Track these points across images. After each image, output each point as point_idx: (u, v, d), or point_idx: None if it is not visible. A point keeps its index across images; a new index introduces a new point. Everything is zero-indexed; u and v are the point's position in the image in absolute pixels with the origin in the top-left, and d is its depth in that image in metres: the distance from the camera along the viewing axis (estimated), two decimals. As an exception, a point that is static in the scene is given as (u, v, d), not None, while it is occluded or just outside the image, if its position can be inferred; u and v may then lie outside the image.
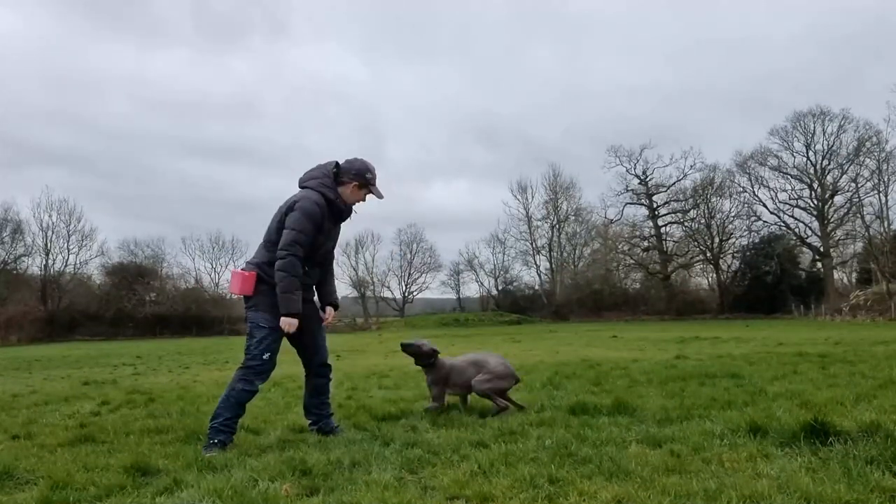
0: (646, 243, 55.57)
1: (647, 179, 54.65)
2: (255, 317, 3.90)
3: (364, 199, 4.10)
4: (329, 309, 4.22)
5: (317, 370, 4.17)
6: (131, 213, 77.07)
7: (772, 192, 49.06)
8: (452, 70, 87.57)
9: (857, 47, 68.87)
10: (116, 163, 74.04)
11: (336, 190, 3.97)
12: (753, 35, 74.95)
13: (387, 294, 59.46)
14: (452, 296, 61.37)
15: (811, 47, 74.51)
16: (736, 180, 50.79)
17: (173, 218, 76.82)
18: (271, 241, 3.92)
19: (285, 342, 4.04)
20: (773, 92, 68.01)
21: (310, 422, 4.21)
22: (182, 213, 77.10)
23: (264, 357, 3.84)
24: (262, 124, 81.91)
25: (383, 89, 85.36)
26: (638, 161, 54.16)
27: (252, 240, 57.85)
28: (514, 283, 59.21)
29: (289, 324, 3.82)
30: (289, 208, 3.90)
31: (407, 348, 4.83)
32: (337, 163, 4.04)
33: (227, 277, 54.80)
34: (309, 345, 4.14)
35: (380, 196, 4.10)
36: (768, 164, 48.69)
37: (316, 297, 4.23)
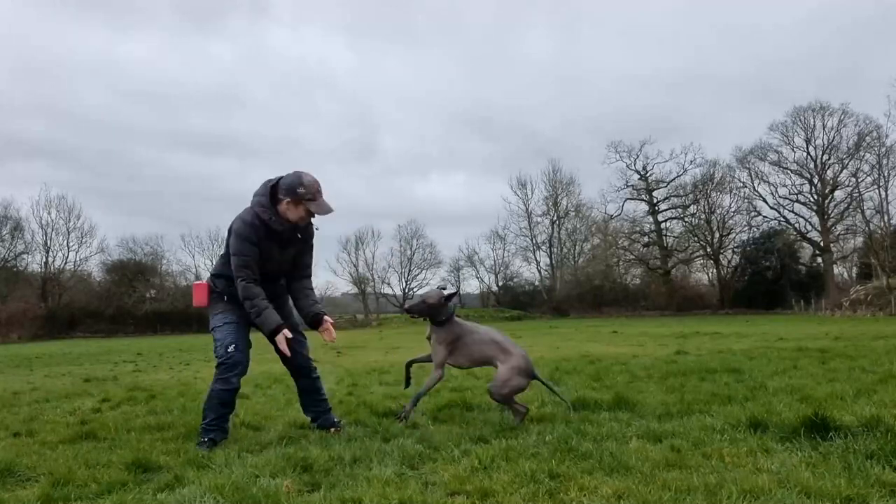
0: (646, 239, 55.57)
1: (647, 175, 54.65)
2: (212, 321, 3.98)
3: (307, 216, 3.80)
4: (325, 319, 4.03)
5: (297, 370, 4.18)
6: (120, 209, 74.49)
7: (772, 187, 49.05)
8: (443, 56, 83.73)
9: (857, 41, 68.63)
10: (100, 157, 70.99)
11: (274, 209, 3.74)
12: (754, 23, 73.92)
13: (387, 290, 59.51)
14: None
15: (812, 39, 73.96)
16: (736, 175, 50.83)
17: (163, 213, 74.59)
18: (224, 254, 3.96)
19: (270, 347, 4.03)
20: (774, 83, 67.32)
21: (310, 418, 4.23)
22: (172, 208, 75.01)
23: (229, 350, 3.85)
24: (249, 115, 78.41)
25: (372, 76, 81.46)
26: (638, 156, 54.19)
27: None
28: (515, 279, 59.24)
29: (280, 341, 3.79)
30: (229, 230, 3.85)
31: (412, 310, 4.25)
32: (278, 179, 3.78)
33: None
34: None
35: (320, 211, 3.76)
36: (768, 159, 48.68)
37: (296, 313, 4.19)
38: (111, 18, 76.84)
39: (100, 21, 78.13)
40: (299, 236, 3.94)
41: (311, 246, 4.10)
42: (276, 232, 3.77)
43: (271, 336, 3.83)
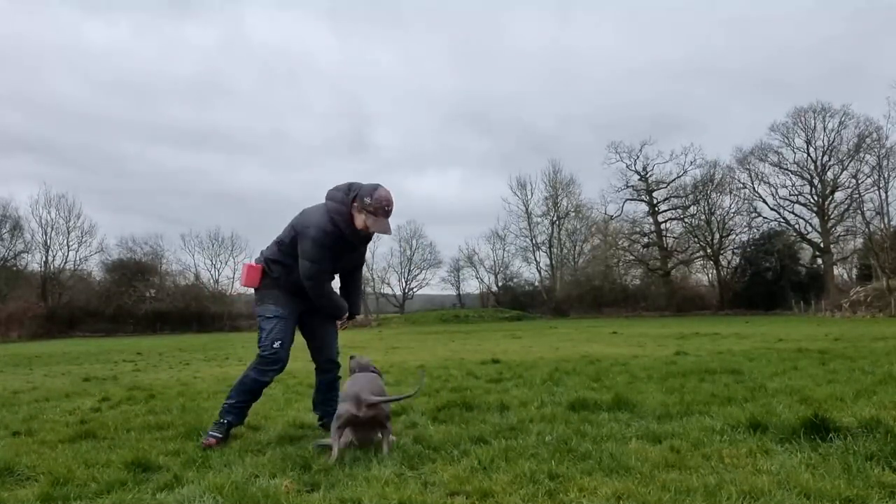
0: (646, 239, 55.64)
1: (648, 175, 54.75)
2: (261, 310, 3.97)
3: (365, 227, 3.79)
4: (351, 318, 4.32)
5: (323, 365, 4.19)
6: (107, 205, 73.19)
7: (772, 188, 49.14)
8: (432, 43, 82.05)
9: (858, 42, 68.52)
10: (81, 151, 69.19)
11: (348, 219, 3.76)
12: (758, 13, 73.10)
13: (387, 290, 59.53)
14: (452, 292, 61.46)
15: (817, 30, 73.33)
16: (736, 176, 50.92)
17: (150, 208, 72.92)
18: (283, 243, 3.94)
19: (299, 337, 4.10)
20: (776, 76, 66.94)
21: (318, 416, 4.24)
22: (159, 203, 73.22)
23: (274, 346, 3.87)
24: (233, 106, 76.29)
25: (360, 65, 79.47)
26: (638, 157, 54.38)
27: (251, 235, 56.95)
28: (515, 280, 59.38)
29: (341, 323, 4.14)
30: (299, 231, 3.81)
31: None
32: (352, 188, 3.79)
33: (227, 274, 54.86)
34: (317, 341, 4.18)
35: (375, 228, 3.77)
36: (769, 159, 48.78)
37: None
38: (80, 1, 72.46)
39: (67, 2, 74.65)
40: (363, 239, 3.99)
41: (366, 248, 4.29)
42: (347, 239, 3.83)
43: (337, 316, 4.11)
